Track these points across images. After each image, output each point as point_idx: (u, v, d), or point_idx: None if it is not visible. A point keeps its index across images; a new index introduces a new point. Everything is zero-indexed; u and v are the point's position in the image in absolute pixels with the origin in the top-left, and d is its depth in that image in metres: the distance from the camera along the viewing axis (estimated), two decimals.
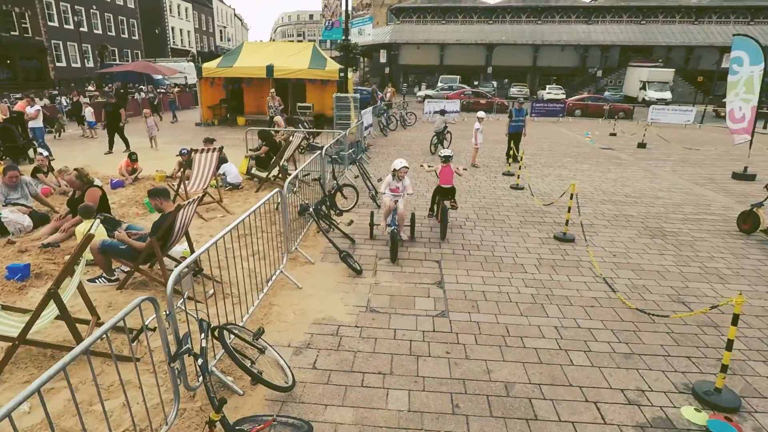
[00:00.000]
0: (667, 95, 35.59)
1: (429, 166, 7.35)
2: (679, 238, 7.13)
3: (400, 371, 3.79)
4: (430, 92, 34.95)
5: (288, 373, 3.57)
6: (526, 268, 5.85)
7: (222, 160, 9.24)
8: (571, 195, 6.73)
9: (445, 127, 14.13)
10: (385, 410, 3.35)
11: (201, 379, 3.19)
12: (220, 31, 72.46)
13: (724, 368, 3.47)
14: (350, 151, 10.72)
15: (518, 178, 10.20)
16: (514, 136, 12.18)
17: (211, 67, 18.23)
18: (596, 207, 8.66)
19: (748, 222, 7.41)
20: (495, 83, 41.79)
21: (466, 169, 9.60)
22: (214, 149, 8.05)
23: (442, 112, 14.49)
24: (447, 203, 6.89)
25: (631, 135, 18.91)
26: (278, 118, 13.59)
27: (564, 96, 34.17)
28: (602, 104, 27.64)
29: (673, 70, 38.77)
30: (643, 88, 37.24)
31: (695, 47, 42.66)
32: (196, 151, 7.89)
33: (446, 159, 6.99)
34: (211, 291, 4.67)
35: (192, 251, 5.16)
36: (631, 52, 43.73)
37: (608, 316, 4.76)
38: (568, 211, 6.93)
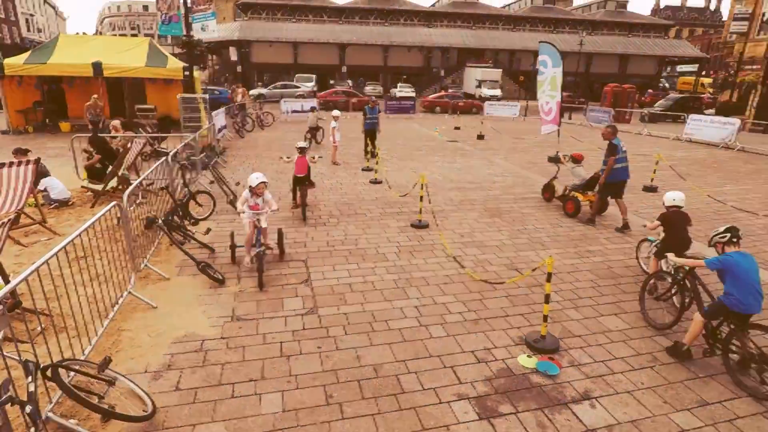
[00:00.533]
0: (498, 92, 40.75)
1: (287, 158, 7.80)
2: (512, 215, 8.32)
3: (271, 374, 3.75)
4: (263, 91, 34.39)
5: (147, 401, 3.27)
6: (387, 257, 6.24)
7: (41, 173, 7.89)
8: (422, 185, 7.35)
9: (318, 125, 15.20)
10: (259, 416, 3.30)
11: (33, 430, 2.75)
12: (27, 19, 60.76)
13: (545, 318, 4.21)
14: (202, 155, 10.04)
15: (376, 172, 10.74)
16: (370, 133, 12.75)
17: (16, 63, 15.25)
18: (445, 194, 9.60)
19: (547, 192, 9.34)
20: (350, 82, 42.96)
21: (321, 157, 9.95)
22: (29, 161, 6.81)
23: (313, 109, 15.39)
24: (305, 188, 7.67)
25: (472, 128, 21.28)
26: (115, 122, 12.01)
27: (413, 94, 36.75)
28: (457, 101, 30.47)
29: (501, 70, 44.54)
30: (479, 86, 42.04)
31: (516, 51, 49.52)
32: (3, 165, 6.58)
33: (301, 150, 7.61)
34: (39, 327, 4.01)
35: (6, 283, 4.34)
36: (467, 54, 48.87)
37: (459, 289, 5.36)
38: (421, 200, 7.57)
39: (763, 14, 24.10)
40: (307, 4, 47.16)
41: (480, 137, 18.59)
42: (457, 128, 21.64)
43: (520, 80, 43.10)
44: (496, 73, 43.12)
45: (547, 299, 4.14)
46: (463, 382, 3.74)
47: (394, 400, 3.51)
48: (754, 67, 24.62)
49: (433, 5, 58.80)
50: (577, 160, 8.40)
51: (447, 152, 15.05)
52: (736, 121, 17.32)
